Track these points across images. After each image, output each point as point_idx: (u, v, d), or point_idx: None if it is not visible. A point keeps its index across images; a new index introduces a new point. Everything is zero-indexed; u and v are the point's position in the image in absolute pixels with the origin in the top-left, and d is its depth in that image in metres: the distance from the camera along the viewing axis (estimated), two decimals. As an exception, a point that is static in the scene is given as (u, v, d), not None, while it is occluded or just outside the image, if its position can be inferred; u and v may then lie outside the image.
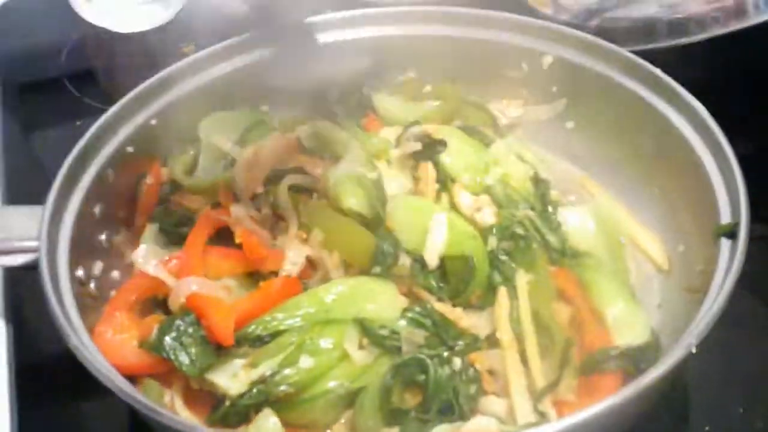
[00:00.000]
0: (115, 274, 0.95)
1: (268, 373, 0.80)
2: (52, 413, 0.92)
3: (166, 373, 0.84)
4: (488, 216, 0.93)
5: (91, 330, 0.82)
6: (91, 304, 0.88)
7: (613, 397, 0.65)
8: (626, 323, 0.85)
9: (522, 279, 0.87)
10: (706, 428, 0.85)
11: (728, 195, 0.84)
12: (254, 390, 0.80)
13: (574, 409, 0.68)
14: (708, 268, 0.80)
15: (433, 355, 0.82)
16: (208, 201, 0.98)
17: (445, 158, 0.98)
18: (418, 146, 0.99)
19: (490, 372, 0.83)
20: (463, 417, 0.79)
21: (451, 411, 0.79)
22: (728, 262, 0.77)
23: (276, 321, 0.84)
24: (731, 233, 0.79)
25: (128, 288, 0.90)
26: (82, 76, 1.41)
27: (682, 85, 0.95)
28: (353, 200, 0.92)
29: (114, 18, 1.43)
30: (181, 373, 0.81)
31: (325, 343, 0.82)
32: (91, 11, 1.43)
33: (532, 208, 0.95)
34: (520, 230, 0.90)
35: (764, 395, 0.87)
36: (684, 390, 0.88)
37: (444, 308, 0.86)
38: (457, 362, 0.82)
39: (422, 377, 0.81)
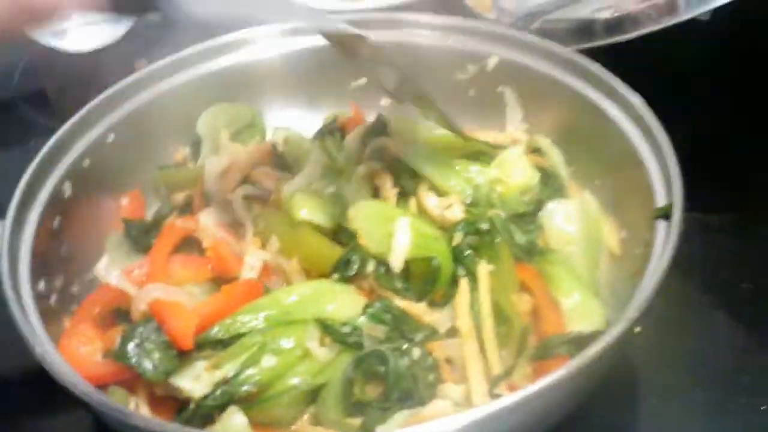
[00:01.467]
0: (75, 288, 0.96)
1: (230, 374, 0.82)
2: (17, 430, 0.93)
3: (131, 380, 0.85)
4: (457, 212, 0.95)
5: (55, 343, 0.83)
6: (52, 318, 0.89)
7: (558, 371, 0.68)
8: (581, 313, 0.87)
9: (483, 270, 0.89)
10: (653, 402, 0.89)
11: (663, 180, 0.88)
12: (218, 391, 0.81)
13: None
14: (647, 250, 0.83)
15: (394, 348, 0.84)
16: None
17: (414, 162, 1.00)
18: (378, 165, 1.01)
19: (448, 361, 0.85)
20: (422, 404, 0.81)
21: (411, 399, 0.81)
22: (664, 240, 0.81)
23: (238, 323, 0.86)
24: (667, 215, 0.84)
25: (92, 300, 0.92)
26: (35, 97, 1.42)
27: (622, 80, 0.99)
28: (305, 211, 0.94)
29: (65, 38, 1.44)
30: (145, 379, 0.83)
31: (287, 342, 0.84)
32: (41, 32, 1.43)
33: (509, 212, 0.97)
34: (485, 226, 0.93)
35: (707, 370, 0.92)
36: (631, 369, 0.92)
37: (407, 305, 0.89)
38: (416, 352, 0.84)
39: (382, 369, 0.83)
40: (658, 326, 0.92)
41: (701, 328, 0.96)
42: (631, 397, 0.90)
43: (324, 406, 0.83)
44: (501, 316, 0.87)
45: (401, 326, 0.87)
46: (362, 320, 0.86)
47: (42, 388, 0.80)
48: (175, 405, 0.85)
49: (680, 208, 0.82)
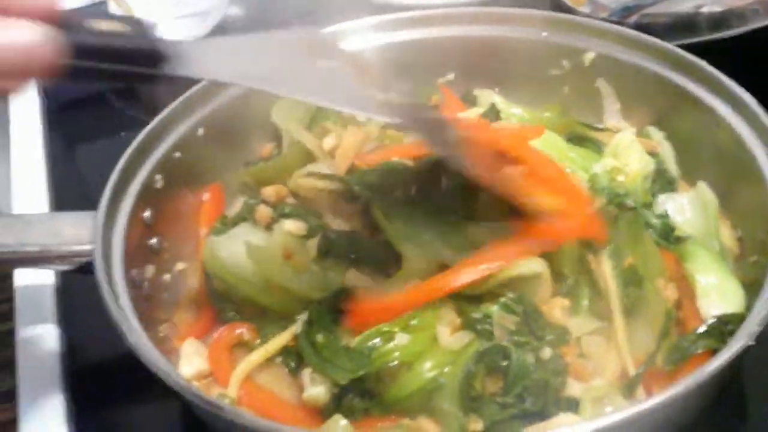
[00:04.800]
0: (167, 277, 0.96)
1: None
2: (107, 418, 0.93)
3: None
4: None
5: (148, 331, 0.81)
6: (145, 307, 0.88)
7: (668, 390, 0.64)
8: (720, 293, 0.81)
9: (603, 256, 0.85)
10: (761, 425, 0.84)
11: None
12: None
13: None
14: (761, 259, 0.79)
15: (522, 342, 0.80)
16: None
17: None
18: None
19: (582, 356, 0.82)
20: (545, 407, 0.77)
21: (533, 397, 0.77)
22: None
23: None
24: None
25: None
26: (125, 91, 1.44)
27: (731, 78, 0.94)
28: None
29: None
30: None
31: (420, 321, 0.82)
32: (132, 26, 1.46)
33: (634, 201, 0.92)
34: (630, 202, 0.89)
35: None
36: (740, 389, 0.87)
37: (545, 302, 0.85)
38: (547, 352, 0.80)
39: (504, 363, 0.79)
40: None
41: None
42: (741, 423, 0.85)
43: (441, 397, 0.79)
44: (644, 302, 0.82)
45: (531, 321, 0.82)
46: (494, 309, 0.82)
47: (131, 377, 0.80)
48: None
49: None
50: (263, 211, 0.96)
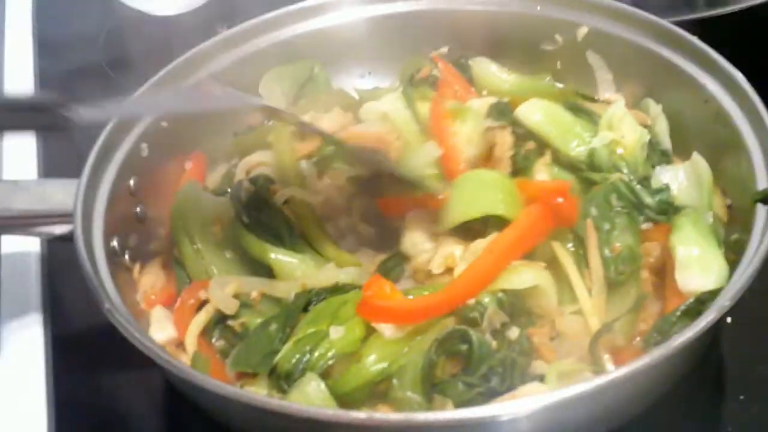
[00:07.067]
0: (152, 246, 0.96)
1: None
2: (88, 384, 0.94)
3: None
4: None
5: (125, 299, 0.82)
6: (125, 275, 0.89)
7: (636, 362, 0.63)
8: (700, 263, 0.79)
9: (591, 228, 0.86)
10: (741, 398, 0.83)
11: (765, 163, 0.82)
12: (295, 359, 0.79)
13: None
14: (743, 237, 0.78)
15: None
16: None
17: (536, 123, 0.96)
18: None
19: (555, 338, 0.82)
20: (512, 385, 0.76)
21: (497, 377, 0.77)
22: (763, 228, 0.75)
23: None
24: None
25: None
26: (120, 61, 1.43)
27: (723, 54, 0.92)
28: None
29: (151, 2, 1.46)
30: None
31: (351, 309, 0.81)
32: (129, -5, 1.45)
33: (634, 174, 0.92)
34: (615, 201, 0.88)
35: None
36: (719, 362, 0.87)
37: None
38: (514, 331, 0.79)
39: (464, 347, 0.78)
40: (750, 319, 0.86)
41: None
42: (719, 394, 0.85)
43: (400, 387, 0.77)
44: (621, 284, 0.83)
45: (515, 313, 0.82)
46: (490, 304, 0.80)
47: (112, 344, 0.81)
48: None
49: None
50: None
